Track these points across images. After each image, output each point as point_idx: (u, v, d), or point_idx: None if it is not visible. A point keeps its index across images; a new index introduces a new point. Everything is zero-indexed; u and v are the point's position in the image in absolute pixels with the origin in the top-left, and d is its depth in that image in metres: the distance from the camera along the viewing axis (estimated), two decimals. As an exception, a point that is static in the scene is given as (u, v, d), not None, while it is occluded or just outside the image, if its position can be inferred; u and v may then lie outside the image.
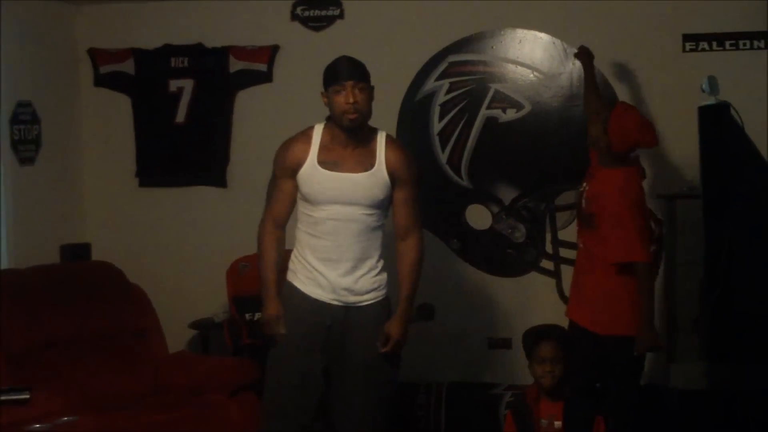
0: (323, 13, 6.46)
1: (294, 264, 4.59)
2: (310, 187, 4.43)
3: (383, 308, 4.59)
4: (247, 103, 6.51)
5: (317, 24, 6.46)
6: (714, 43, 5.93)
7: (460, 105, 6.30)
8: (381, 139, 4.50)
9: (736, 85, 5.36)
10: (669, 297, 5.75)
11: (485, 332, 6.27)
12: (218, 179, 6.49)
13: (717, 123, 4.72)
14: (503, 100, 6.24)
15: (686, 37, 5.97)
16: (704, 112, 4.77)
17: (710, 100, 4.80)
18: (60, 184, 6.45)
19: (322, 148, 4.45)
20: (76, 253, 6.29)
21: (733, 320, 4.54)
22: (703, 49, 5.95)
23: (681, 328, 5.70)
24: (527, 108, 6.18)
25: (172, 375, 5.68)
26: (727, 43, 5.92)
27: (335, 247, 4.43)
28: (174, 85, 6.58)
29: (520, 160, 6.17)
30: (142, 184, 6.68)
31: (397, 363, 4.68)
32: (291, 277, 4.59)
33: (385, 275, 4.60)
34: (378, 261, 4.56)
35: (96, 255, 6.42)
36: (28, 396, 4.62)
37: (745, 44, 5.90)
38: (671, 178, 5.87)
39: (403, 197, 4.49)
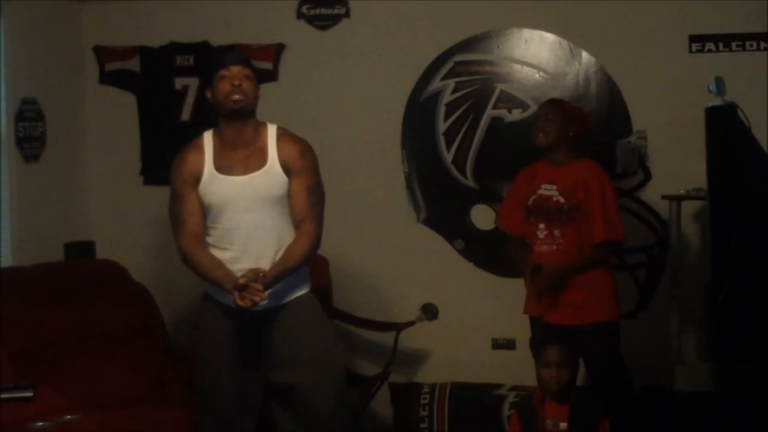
0: (329, 11, 6.44)
1: None
2: (212, 197, 4.28)
3: (309, 300, 4.44)
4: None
5: (323, 23, 6.45)
6: (720, 44, 5.91)
7: (466, 105, 6.28)
8: (272, 134, 4.35)
9: (743, 86, 5.36)
10: (674, 298, 5.74)
11: (489, 333, 6.26)
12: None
13: (724, 124, 4.71)
14: (509, 100, 6.23)
15: (693, 38, 5.95)
16: (711, 113, 4.76)
17: (717, 101, 4.80)
18: (64, 181, 6.44)
19: (216, 154, 4.31)
20: (80, 250, 6.27)
21: (738, 320, 4.54)
22: (710, 50, 5.92)
23: (686, 329, 5.69)
24: (533, 108, 6.14)
25: (175, 373, 5.65)
26: (734, 44, 5.89)
27: (246, 256, 4.26)
28: (179, 83, 6.58)
29: (526, 160, 6.11)
30: (146, 182, 6.65)
31: (336, 351, 4.54)
32: (209, 288, 4.43)
33: (304, 271, 4.44)
34: None
35: (100, 253, 6.40)
36: (31, 394, 4.60)
37: (752, 45, 5.86)
38: (677, 179, 5.85)
39: (295, 187, 4.30)
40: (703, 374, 4.59)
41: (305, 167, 4.34)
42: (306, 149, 4.39)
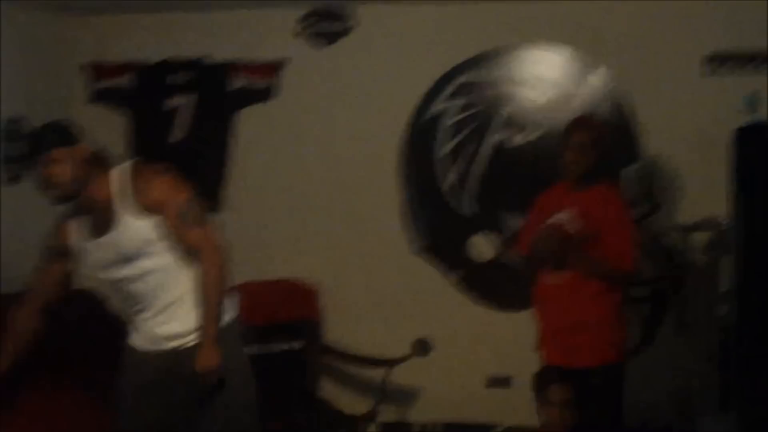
0: (330, 29, 6.24)
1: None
2: (85, 263, 4.05)
3: (220, 337, 3.98)
4: (249, 122, 6.29)
5: (323, 40, 6.23)
6: (736, 65, 5.60)
7: (469, 128, 6.06)
8: (115, 180, 3.94)
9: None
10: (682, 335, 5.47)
11: (484, 369, 6.05)
12: (210, 203, 6.17)
13: (756, 145, 4.34)
14: (514, 123, 6.00)
15: (707, 59, 5.67)
16: (743, 133, 4.41)
17: (748, 120, 4.44)
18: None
19: (81, 219, 4.02)
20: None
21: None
22: (724, 73, 5.62)
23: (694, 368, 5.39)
24: (539, 131, 5.90)
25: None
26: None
27: (140, 303, 4.03)
28: (172, 102, 6.41)
29: (530, 185, 5.80)
30: (135, 203, 6.47)
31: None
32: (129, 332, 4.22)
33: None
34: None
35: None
36: None
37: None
38: (687, 208, 5.67)
39: (171, 221, 3.93)
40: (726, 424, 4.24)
41: (170, 195, 3.96)
42: (160, 177, 3.99)
